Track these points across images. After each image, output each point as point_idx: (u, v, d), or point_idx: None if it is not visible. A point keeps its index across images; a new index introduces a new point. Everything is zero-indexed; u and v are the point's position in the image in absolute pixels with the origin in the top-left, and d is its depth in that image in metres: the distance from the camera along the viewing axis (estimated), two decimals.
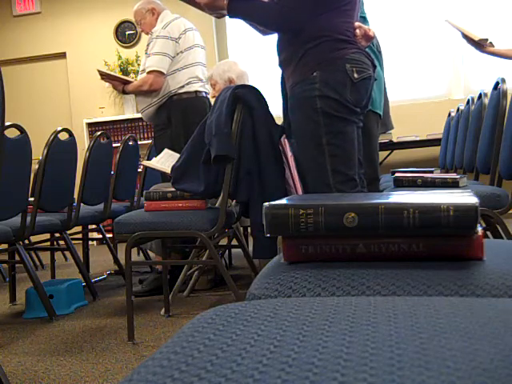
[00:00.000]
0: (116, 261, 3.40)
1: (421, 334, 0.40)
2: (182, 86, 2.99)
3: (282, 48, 1.92)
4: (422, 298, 0.51)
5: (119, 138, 5.73)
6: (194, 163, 2.10)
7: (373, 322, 0.43)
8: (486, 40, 3.06)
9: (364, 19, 2.26)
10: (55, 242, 3.47)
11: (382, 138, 4.07)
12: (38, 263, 4.23)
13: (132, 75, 5.59)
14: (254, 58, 5.53)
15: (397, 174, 2.21)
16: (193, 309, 2.53)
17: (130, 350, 1.97)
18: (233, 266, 3.59)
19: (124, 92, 3.13)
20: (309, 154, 1.86)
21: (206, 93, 3.10)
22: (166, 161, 2.50)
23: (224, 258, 3.35)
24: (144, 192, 2.22)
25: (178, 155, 2.35)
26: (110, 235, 3.94)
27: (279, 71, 2.01)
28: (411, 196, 0.73)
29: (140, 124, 5.81)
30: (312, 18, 1.79)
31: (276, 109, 2.25)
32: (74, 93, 6.11)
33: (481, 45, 3.08)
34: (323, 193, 1.73)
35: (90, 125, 5.97)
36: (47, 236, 3.29)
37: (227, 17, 1.90)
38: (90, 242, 5.18)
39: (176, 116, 2.97)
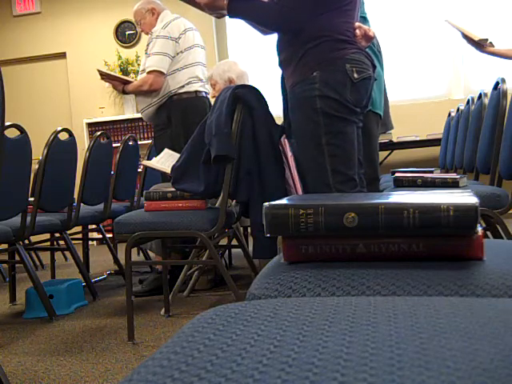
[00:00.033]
0: (116, 261, 3.40)
1: (421, 334, 0.40)
2: (182, 86, 2.99)
3: (282, 48, 1.92)
4: (422, 298, 0.51)
5: (119, 138, 5.73)
6: (194, 163, 2.10)
7: (373, 322, 0.43)
8: (486, 40, 3.06)
9: (364, 19, 2.26)
10: (55, 242, 3.47)
11: (382, 138, 4.07)
12: (38, 263, 4.23)
13: (132, 75, 5.59)
14: (254, 58, 5.53)
15: (397, 174, 2.21)
16: (193, 309, 2.54)
17: (130, 350, 1.97)
18: (233, 266, 3.59)
19: (124, 92, 3.13)
20: (309, 153, 1.86)
21: (206, 93, 3.10)
22: (166, 161, 2.50)
23: (224, 257, 3.36)
24: (144, 192, 2.22)
25: (178, 155, 2.35)
26: (110, 235, 3.94)
27: (279, 71, 2.01)
28: (411, 196, 0.73)
29: (140, 124, 5.81)
30: (312, 18, 1.79)
31: (276, 109, 2.26)
32: (73, 93, 6.11)
33: (481, 45, 3.08)
34: (323, 193, 1.73)
35: (89, 125, 5.97)
36: (47, 236, 3.29)
37: (227, 17, 1.90)
38: (90, 242, 5.18)
39: (176, 116, 2.97)
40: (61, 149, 2.70)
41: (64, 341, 2.16)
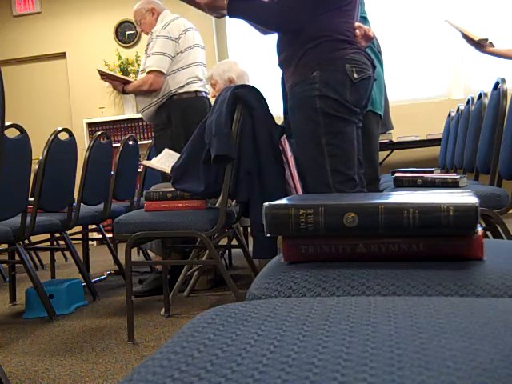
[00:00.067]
0: (116, 261, 3.40)
1: (421, 334, 0.40)
2: (182, 86, 2.99)
3: (281, 48, 1.92)
4: (422, 298, 0.51)
5: (119, 138, 5.73)
6: (194, 163, 2.10)
7: (373, 322, 0.43)
8: (486, 40, 3.06)
9: (365, 19, 2.26)
10: (55, 242, 3.47)
11: (382, 138, 4.07)
12: (38, 263, 4.23)
13: (132, 75, 5.59)
14: (254, 58, 5.53)
15: (397, 174, 2.21)
16: (193, 309, 2.54)
17: (130, 350, 1.97)
18: (233, 266, 3.59)
19: (124, 92, 3.13)
20: (308, 153, 1.86)
21: (206, 93, 3.10)
22: (166, 161, 2.50)
23: (224, 257, 3.36)
24: (144, 192, 2.22)
25: (178, 155, 2.35)
26: (110, 235, 3.94)
27: (279, 71, 2.01)
28: (411, 196, 0.73)
29: (140, 124, 5.81)
30: (312, 18, 1.79)
31: (276, 109, 2.26)
32: (73, 93, 6.11)
33: (481, 45, 3.08)
34: (323, 193, 1.73)
35: (89, 125, 5.97)
36: (47, 236, 3.29)
37: (227, 17, 1.90)
38: (90, 242, 5.18)
39: (176, 116, 2.97)
40: (61, 149, 2.70)
41: (64, 341, 2.16)
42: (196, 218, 2.02)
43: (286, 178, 2.19)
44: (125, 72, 5.76)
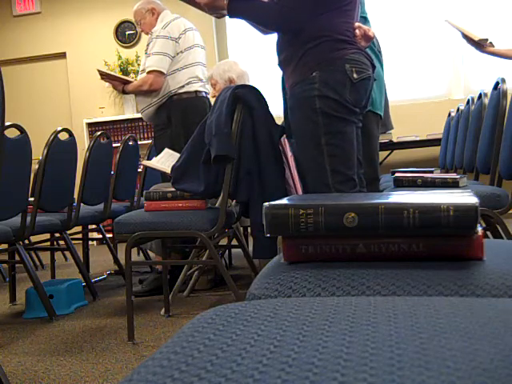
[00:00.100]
0: (116, 261, 3.40)
1: (421, 334, 0.40)
2: (182, 86, 2.99)
3: (281, 48, 1.92)
4: (422, 298, 0.51)
5: (119, 138, 5.73)
6: (194, 163, 2.10)
7: (373, 322, 0.43)
8: (486, 40, 3.06)
9: (365, 19, 2.26)
10: (55, 242, 3.47)
11: (382, 138, 4.07)
12: (38, 263, 4.23)
13: (132, 75, 5.59)
14: (254, 58, 5.53)
15: (397, 174, 2.21)
16: (193, 309, 2.54)
17: (130, 350, 1.97)
18: (233, 266, 3.59)
19: (124, 92, 3.13)
20: (308, 153, 1.86)
21: (206, 93, 3.10)
22: (166, 161, 2.50)
23: (224, 258, 3.36)
24: (144, 192, 2.22)
25: (178, 155, 2.35)
26: (110, 235, 3.94)
27: (279, 71, 2.01)
28: (411, 196, 0.73)
29: (140, 124, 5.81)
30: (312, 18, 1.79)
31: (276, 109, 2.26)
32: (74, 93, 6.11)
33: (481, 45, 3.08)
34: (322, 193, 1.73)
35: (89, 125, 5.97)
36: (47, 236, 3.29)
37: (227, 17, 1.90)
38: (90, 242, 5.18)
39: (176, 116, 2.97)
40: (61, 149, 2.70)
41: (64, 341, 2.16)
42: (196, 218, 2.02)
43: (286, 178, 2.20)
44: (125, 72, 5.76)
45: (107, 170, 3.19)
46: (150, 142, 3.97)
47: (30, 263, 2.50)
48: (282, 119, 2.11)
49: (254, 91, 2.14)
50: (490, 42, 3.07)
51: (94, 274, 3.66)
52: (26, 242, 3.32)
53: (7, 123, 1.95)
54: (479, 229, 0.65)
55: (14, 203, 2.32)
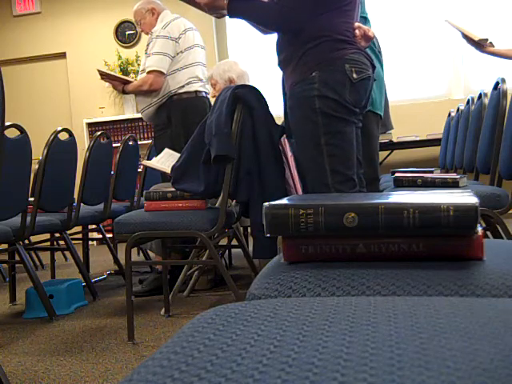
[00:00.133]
0: (116, 261, 3.40)
1: (421, 334, 0.40)
2: (182, 86, 2.99)
3: (281, 48, 1.92)
4: (422, 298, 0.51)
5: (119, 138, 5.73)
6: (194, 163, 2.10)
7: (373, 322, 0.43)
8: (486, 40, 3.06)
9: (365, 19, 2.26)
10: (55, 242, 3.47)
11: (382, 138, 4.07)
12: (38, 263, 4.23)
13: (132, 75, 5.59)
14: (254, 58, 5.53)
15: (397, 174, 2.21)
16: (193, 309, 2.54)
17: (130, 350, 1.97)
18: (233, 266, 3.59)
19: (124, 92, 3.13)
20: (308, 153, 1.86)
21: (206, 93, 3.10)
22: (166, 161, 2.50)
23: (224, 257, 3.36)
24: (144, 192, 2.22)
25: (178, 155, 2.35)
26: (110, 235, 3.94)
27: (279, 71, 2.01)
28: (411, 196, 0.73)
29: (140, 124, 5.81)
30: (312, 18, 1.79)
31: (276, 109, 2.25)
32: (74, 93, 6.11)
33: (481, 45, 3.08)
34: (322, 193, 1.73)
35: (89, 125, 5.97)
36: (47, 236, 3.29)
37: (227, 17, 1.90)
38: (90, 242, 5.18)
39: (176, 116, 2.97)
40: (61, 149, 2.70)
41: (64, 341, 2.16)
42: (196, 218, 2.02)
43: (286, 178, 2.20)
44: (125, 72, 5.76)
45: (107, 170, 3.19)
46: (149, 142, 3.97)
47: (30, 263, 2.50)
48: (282, 119, 2.11)
49: (254, 91, 2.14)
50: (490, 42, 3.07)
51: (93, 274, 3.66)
52: (26, 241, 3.32)
53: (7, 123, 1.95)
54: (479, 229, 0.65)
55: (14, 203, 2.32)
